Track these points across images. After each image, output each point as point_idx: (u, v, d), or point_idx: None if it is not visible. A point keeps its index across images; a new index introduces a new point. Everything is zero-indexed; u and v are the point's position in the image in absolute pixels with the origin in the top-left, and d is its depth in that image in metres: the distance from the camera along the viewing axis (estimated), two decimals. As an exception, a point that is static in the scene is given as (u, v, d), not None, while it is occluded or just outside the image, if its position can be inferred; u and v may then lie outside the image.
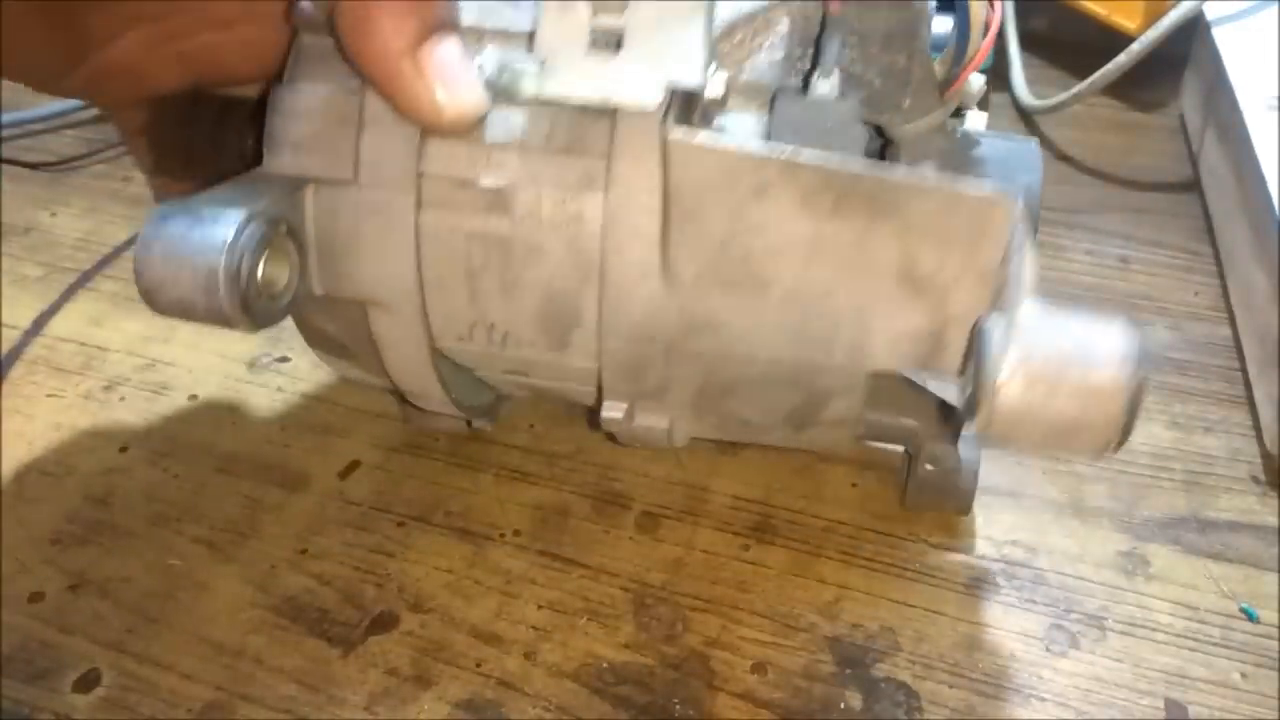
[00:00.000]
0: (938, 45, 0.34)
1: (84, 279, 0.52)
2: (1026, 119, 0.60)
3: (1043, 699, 0.34)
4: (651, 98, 0.29)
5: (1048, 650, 0.36)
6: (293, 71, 0.33)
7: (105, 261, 0.53)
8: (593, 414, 0.35)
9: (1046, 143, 0.59)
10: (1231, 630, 0.36)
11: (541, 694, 0.35)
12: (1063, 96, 0.57)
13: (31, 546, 0.39)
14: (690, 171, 0.30)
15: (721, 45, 0.32)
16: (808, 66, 0.33)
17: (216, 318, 0.29)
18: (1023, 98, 0.60)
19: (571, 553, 0.39)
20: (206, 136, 0.35)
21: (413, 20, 0.30)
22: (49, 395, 0.46)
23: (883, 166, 0.31)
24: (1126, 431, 0.27)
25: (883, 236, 0.30)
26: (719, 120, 0.32)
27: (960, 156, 0.34)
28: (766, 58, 0.33)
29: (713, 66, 0.31)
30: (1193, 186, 0.55)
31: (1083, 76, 0.56)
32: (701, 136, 0.30)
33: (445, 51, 0.30)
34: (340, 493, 0.41)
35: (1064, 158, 0.58)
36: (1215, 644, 0.36)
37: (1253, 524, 0.39)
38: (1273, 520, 0.39)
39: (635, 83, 0.29)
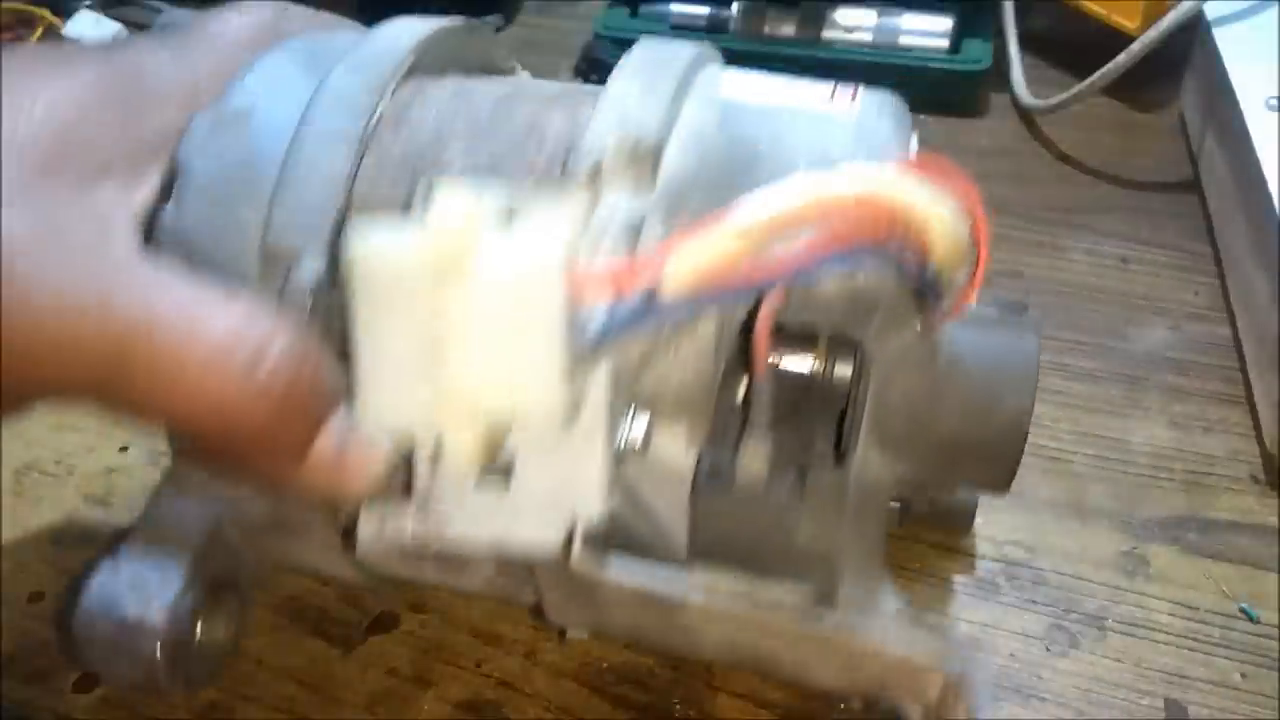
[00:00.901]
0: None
1: (84, 279, 0.52)
2: (1026, 119, 0.60)
3: (1043, 699, 0.34)
4: (551, 538, 0.26)
5: (1048, 650, 0.36)
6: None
7: (105, 261, 0.53)
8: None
9: (1046, 143, 0.59)
10: (1231, 630, 0.36)
11: (541, 694, 0.35)
12: (1063, 96, 0.57)
13: (31, 546, 0.39)
14: (606, 590, 0.28)
15: (639, 379, 0.27)
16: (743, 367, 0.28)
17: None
18: (1023, 98, 0.60)
19: (571, 553, 0.39)
20: None
21: (298, 427, 0.25)
22: (49, 395, 0.46)
23: (817, 616, 0.28)
24: None
25: (820, 659, 0.29)
26: (649, 441, 0.27)
27: (939, 373, 0.30)
28: (694, 367, 0.27)
29: (631, 410, 0.27)
30: (1193, 186, 0.55)
31: (1083, 76, 0.56)
32: (615, 567, 0.27)
33: (337, 440, 0.26)
34: (340, 493, 0.41)
35: (1064, 158, 0.58)
36: (1215, 644, 0.36)
37: (1253, 524, 0.39)
38: (1273, 520, 0.39)
39: (532, 521, 0.26)
